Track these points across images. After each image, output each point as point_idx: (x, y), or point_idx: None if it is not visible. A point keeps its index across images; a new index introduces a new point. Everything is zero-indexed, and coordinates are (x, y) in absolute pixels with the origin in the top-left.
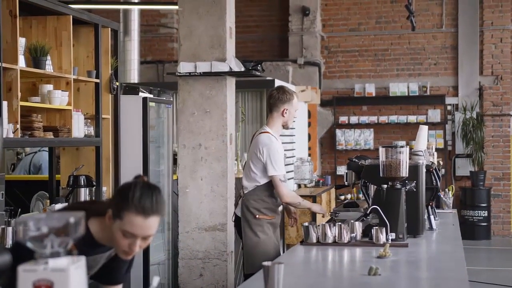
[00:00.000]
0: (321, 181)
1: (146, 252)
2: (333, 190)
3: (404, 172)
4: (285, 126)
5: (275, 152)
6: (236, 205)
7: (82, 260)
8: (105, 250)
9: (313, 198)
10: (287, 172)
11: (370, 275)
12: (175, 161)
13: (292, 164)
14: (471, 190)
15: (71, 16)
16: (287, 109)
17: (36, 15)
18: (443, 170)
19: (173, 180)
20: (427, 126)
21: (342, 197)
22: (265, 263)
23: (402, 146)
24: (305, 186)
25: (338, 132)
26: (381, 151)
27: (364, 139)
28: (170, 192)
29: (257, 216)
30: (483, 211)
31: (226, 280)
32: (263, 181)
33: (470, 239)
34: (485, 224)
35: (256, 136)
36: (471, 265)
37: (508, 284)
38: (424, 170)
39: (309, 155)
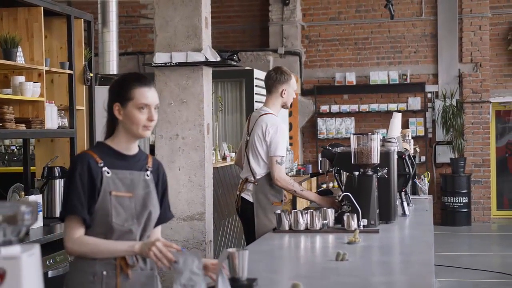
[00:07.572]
0: (302, 170)
1: None
2: (314, 179)
3: (375, 159)
4: (284, 107)
5: (281, 133)
6: (241, 189)
7: (35, 248)
8: (133, 164)
9: None
10: None
11: (337, 260)
12: (151, 151)
13: None
14: (451, 176)
15: (42, 8)
16: (285, 90)
17: (7, 7)
18: (423, 157)
19: None
20: (400, 114)
21: (324, 186)
22: (230, 250)
23: (373, 134)
24: (287, 175)
25: (320, 121)
26: (353, 138)
27: (345, 127)
28: None
29: (273, 202)
30: (464, 198)
31: None
32: None
33: (451, 225)
34: (465, 210)
35: (259, 118)
36: (451, 250)
37: (488, 269)
38: (396, 157)
39: (291, 144)
